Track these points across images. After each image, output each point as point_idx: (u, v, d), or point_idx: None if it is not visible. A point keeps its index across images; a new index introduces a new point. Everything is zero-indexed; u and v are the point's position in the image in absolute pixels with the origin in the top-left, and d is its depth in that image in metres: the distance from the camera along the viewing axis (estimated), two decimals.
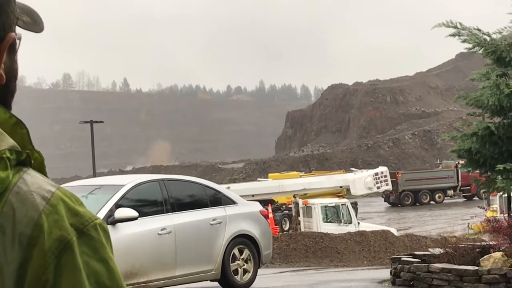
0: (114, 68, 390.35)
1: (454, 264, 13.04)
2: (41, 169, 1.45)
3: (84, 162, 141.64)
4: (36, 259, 1.30)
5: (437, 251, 13.96)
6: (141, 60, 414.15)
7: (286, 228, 42.91)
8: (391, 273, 14.35)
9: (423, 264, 13.39)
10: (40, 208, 1.33)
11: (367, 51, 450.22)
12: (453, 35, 14.74)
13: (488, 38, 14.72)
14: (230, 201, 13.53)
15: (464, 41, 14.71)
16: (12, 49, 1.49)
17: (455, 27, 14.61)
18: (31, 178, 1.38)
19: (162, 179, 12.84)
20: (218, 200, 13.36)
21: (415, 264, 13.53)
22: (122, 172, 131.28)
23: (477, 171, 15.34)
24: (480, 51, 14.88)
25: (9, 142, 1.38)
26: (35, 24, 1.59)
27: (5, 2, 1.45)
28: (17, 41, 1.52)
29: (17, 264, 1.30)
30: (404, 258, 14.07)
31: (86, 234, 1.34)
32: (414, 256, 14.19)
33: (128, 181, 12.50)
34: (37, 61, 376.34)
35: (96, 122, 49.45)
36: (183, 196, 12.96)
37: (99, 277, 1.32)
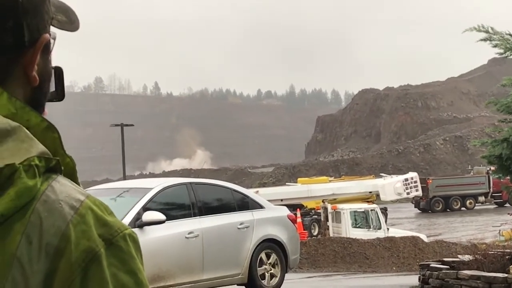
0: (146, 72, 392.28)
1: (483, 271, 12.91)
2: (73, 175, 1.41)
3: (115, 165, 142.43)
4: (62, 271, 1.26)
5: (466, 258, 13.83)
6: (172, 64, 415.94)
7: (315, 233, 42.80)
8: (419, 279, 14.25)
9: (452, 271, 13.26)
10: (68, 218, 1.29)
11: (398, 56, 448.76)
12: (485, 40, 14.59)
13: None
14: (258, 206, 13.51)
15: (495, 46, 14.55)
16: (46, 50, 1.46)
17: (487, 31, 14.47)
18: (60, 186, 1.33)
19: (190, 183, 12.85)
20: (246, 204, 13.34)
21: (444, 271, 13.41)
22: (152, 175, 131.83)
23: (508, 177, 15.20)
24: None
25: (39, 148, 1.33)
26: (70, 23, 1.56)
27: (40, 2, 1.41)
28: (52, 41, 1.49)
29: (43, 276, 1.25)
30: (433, 265, 13.95)
31: (115, 245, 1.30)
32: (443, 262, 14.07)
33: (156, 184, 12.53)
34: (69, 64, 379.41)
35: (127, 125, 49.68)
36: (211, 199, 12.96)
37: None
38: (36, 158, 1.31)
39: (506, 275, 12.40)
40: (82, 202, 1.32)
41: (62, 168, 1.38)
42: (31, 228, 1.27)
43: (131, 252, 1.32)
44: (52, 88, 1.53)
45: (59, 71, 1.57)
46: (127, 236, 1.32)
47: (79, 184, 1.40)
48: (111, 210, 1.36)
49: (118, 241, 1.30)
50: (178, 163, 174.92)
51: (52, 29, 1.49)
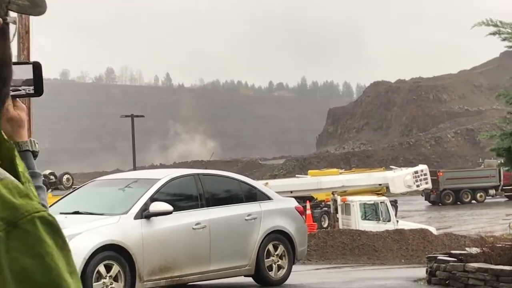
0: (157, 63, 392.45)
1: (491, 264, 12.89)
2: (12, 160, 1.39)
3: (125, 156, 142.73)
4: None
5: (474, 250, 13.80)
6: (183, 55, 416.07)
7: (325, 225, 42.79)
8: (426, 271, 14.24)
9: (459, 264, 13.24)
10: None
11: (410, 49, 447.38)
12: (494, 33, 14.51)
13: None
14: (265, 197, 13.51)
15: (504, 39, 14.47)
16: (3, 35, 1.45)
17: (495, 25, 14.39)
18: None
19: (198, 174, 12.87)
20: (253, 195, 13.35)
21: (451, 263, 13.39)
22: (163, 166, 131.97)
23: None
24: None
25: None
26: (34, 6, 1.54)
27: None
28: (11, 25, 1.48)
29: None
30: (440, 257, 13.93)
31: (20, 228, 1.25)
32: (451, 255, 14.04)
33: (164, 175, 12.55)
34: (81, 55, 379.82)
35: (137, 116, 49.80)
36: (218, 191, 12.98)
37: (31, 274, 1.23)
38: None
39: None
40: None
41: None
42: None
43: (39, 236, 1.26)
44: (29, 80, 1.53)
45: (36, 66, 1.57)
46: (36, 219, 1.27)
47: (17, 170, 1.38)
48: (29, 193, 1.31)
49: (24, 224, 1.26)
50: (189, 155, 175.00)
51: (14, 14, 1.48)
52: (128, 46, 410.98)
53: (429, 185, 47.74)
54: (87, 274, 10.55)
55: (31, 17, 18.51)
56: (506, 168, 15.61)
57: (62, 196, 13.30)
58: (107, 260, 10.85)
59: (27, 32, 13.95)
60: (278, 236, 13.30)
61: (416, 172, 45.12)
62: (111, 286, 10.87)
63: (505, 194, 73.64)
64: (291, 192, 38.43)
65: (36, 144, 2.13)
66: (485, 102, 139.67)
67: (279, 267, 13.29)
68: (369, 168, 64.96)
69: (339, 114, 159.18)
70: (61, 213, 12.03)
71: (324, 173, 50.81)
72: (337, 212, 37.65)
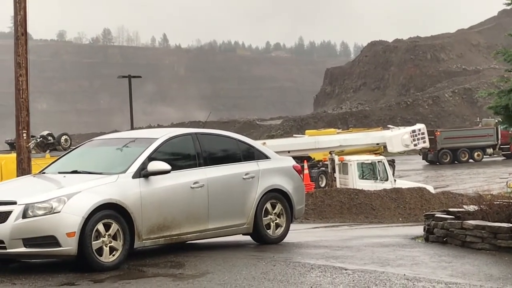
0: (154, 24, 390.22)
1: (488, 221, 12.95)
2: None
3: (123, 117, 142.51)
4: None
5: (472, 208, 13.85)
6: (180, 16, 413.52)
7: (323, 185, 42.95)
8: (424, 229, 14.30)
9: (456, 221, 13.30)
10: None
11: (407, 8, 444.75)
12: None
13: None
14: (263, 156, 13.51)
15: None
16: None
17: None
18: None
19: (195, 133, 12.84)
20: (251, 154, 13.34)
21: (448, 221, 13.44)
22: (160, 127, 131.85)
23: None
24: None
25: None
26: None
27: None
28: None
29: None
30: (438, 215, 13.98)
31: None
32: (448, 213, 14.09)
33: (162, 134, 12.53)
34: (78, 16, 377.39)
35: (134, 77, 49.56)
36: (216, 150, 12.96)
37: None
38: None
39: (510, 225, 12.44)
40: None
41: None
42: None
43: None
44: None
45: None
46: None
47: None
48: None
49: None
50: (186, 115, 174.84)
51: None
52: (125, 7, 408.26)
53: (427, 144, 47.75)
54: (86, 233, 10.58)
55: None
56: (504, 127, 15.62)
57: (60, 156, 13.28)
58: (106, 219, 10.87)
59: None
60: (276, 195, 13.31)
61: (413, 131, 45.12)
62: (110, 244, 10.90)
63: (502, 153, 73.83)
64: (289, 152, 38.46)
65: None
66: (483, 61, 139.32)
67: (277, 226, 13.33)
68: (367, 128, 65.00)
69: (337, 74, 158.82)
70: (59, 172, 12.04)
71: (321, 133, 50.86)
72: (334, 172, 37.74)
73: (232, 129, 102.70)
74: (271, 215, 13.23)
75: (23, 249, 10.54)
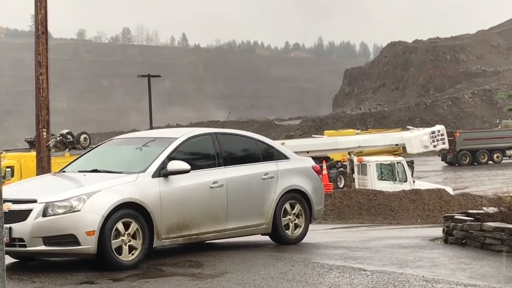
0: (173, 23, 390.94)
1: (508, 223, 12.88)
2: None
3: (142, 117, 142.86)
4: None
5: (491, 210, 13.78)
6: (200, 15, 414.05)
7: (341, 186, 42.86)
8: (443, 231, 14.25)
9: (476, 223, 13.24)
10: None
11: (428, 8, 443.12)
12: None
13: None
14: (283, 156, 13.49)
15: None
16: None
17: None
18: None
19: (215, 133, 12.85)
20: (271, 154, 13.33)
21: (468, 223, 13.39)
22: (179, 126, 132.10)
23: None
24: None
25: None
26: None
27: None
28: None
29: None
30: (457, 217, 13.93)
31: None
32: (468, 214, 14.03)
33: (181, 134, 12.54)
34: (97, 15, 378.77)
35: (154, 76, 49.74)
36: (235, 150, 12.96)
37: None
38: None
39: None
40: None
41: None
42: None
43: None
44: None
45: None
46: None
47: None
48: None
49: None
50: (204, 115, 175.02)
51: None
52: (144, 6, 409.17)
53: (446, 146, 47.58)
54: (105, 232, 10.62)
55: None
56: None
57: (80, 155, 13.34)
58: (126, 218, 10.90)
59: None
60: (295, 195, 13.30)
61: (433, 132, 44.98)
62: (129, 243, 10.93)
63: None
64: (307, 152, 38.42)
65: None
66: (503, 62, 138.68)
67: (296, 226, 13.32)
68: (386, 129, 64.83)
69: (356, 74, 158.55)
70: (79, 171, 12.09)
71: (340, 134, 50.77)
72: (353, 172, 37.68)
73: (251, 129, 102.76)
74: (290, 215, 13.22)
75: (43, 247, 10.59)
